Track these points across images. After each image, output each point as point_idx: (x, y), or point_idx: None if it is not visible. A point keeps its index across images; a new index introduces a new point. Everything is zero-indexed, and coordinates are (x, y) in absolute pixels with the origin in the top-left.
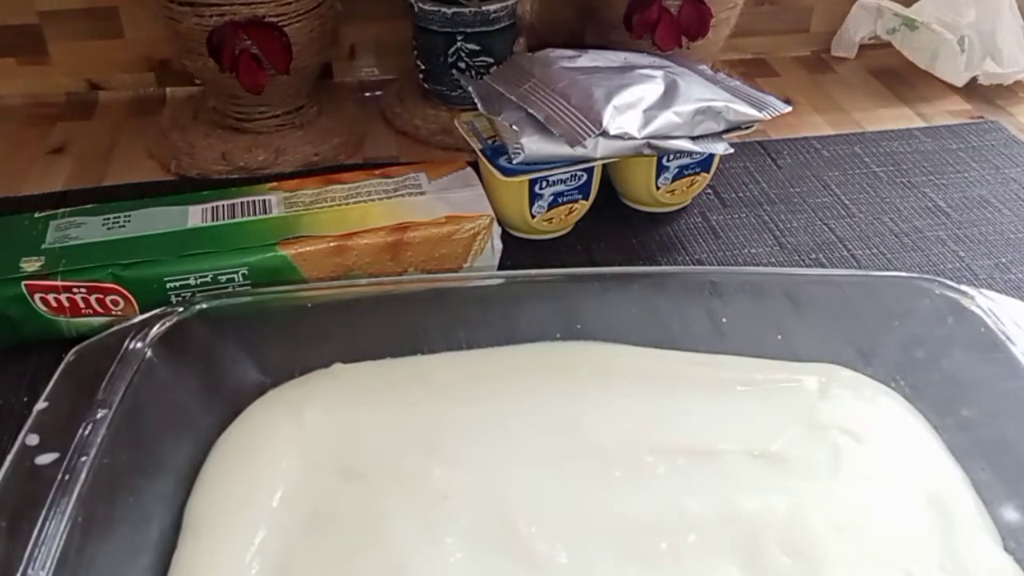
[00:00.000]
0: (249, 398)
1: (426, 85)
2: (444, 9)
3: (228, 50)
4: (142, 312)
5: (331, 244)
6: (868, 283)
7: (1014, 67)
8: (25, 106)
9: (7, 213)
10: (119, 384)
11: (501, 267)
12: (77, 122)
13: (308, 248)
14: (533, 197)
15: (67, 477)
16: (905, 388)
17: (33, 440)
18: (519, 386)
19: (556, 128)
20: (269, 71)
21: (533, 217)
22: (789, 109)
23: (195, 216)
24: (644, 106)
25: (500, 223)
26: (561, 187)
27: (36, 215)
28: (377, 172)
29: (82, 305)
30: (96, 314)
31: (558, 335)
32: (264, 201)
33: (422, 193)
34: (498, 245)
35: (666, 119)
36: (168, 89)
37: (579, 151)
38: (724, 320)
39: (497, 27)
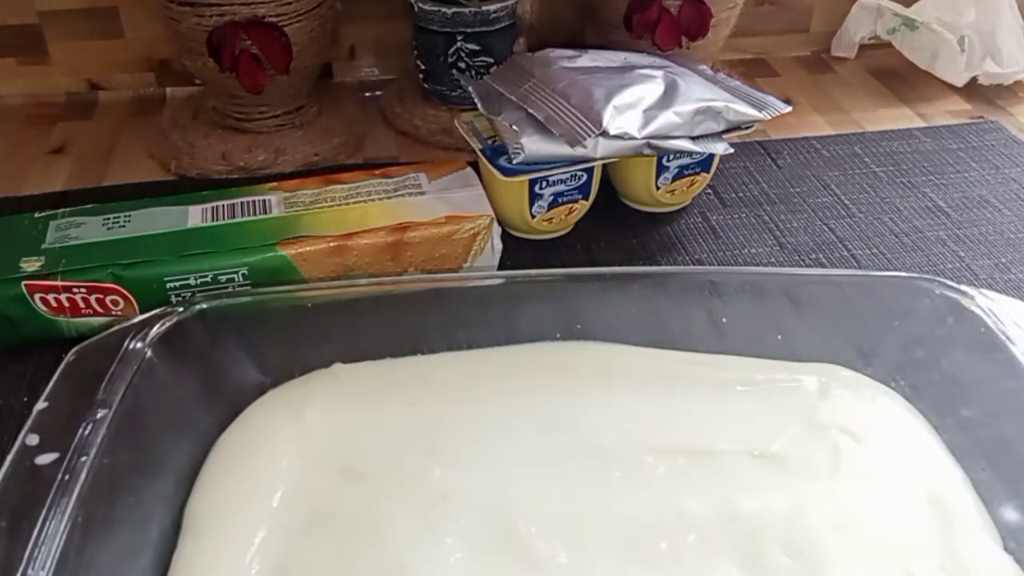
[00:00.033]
0: (249, 398)
1: (426, 85)
2: (444, 9)
3: (228, 50)
4: (142, 312)
5: (331, 244)
6: (868, 283)
7: (1014, 67)
8: (25, 106)
9: (7, 213)
10: (119, 384)
11: (501, 267)
12: (77, 122)
13: (308, 248)
14: (533, 197)
15: (67, 477)
16: (905, 388)
17: (33, 440)
18: (519, 386)
19: (556, 128)
20: (269, 71)
21: (533, 217)
22: (789, 109)
23: (195, 216)
24: (644, 106)
25: (500, 223)
26: (561, 187)
27: (36, 215)
28: (377, 172)
29: (82, 305)
30: (96, 314)
31: (558, 335)
32: (264, 201)
33: (422, 193)
34: (498, 245)
35: (666, 119)
36: (168, 89)
37: (579, 151)
38: (724, 320)
39: (497, 27)
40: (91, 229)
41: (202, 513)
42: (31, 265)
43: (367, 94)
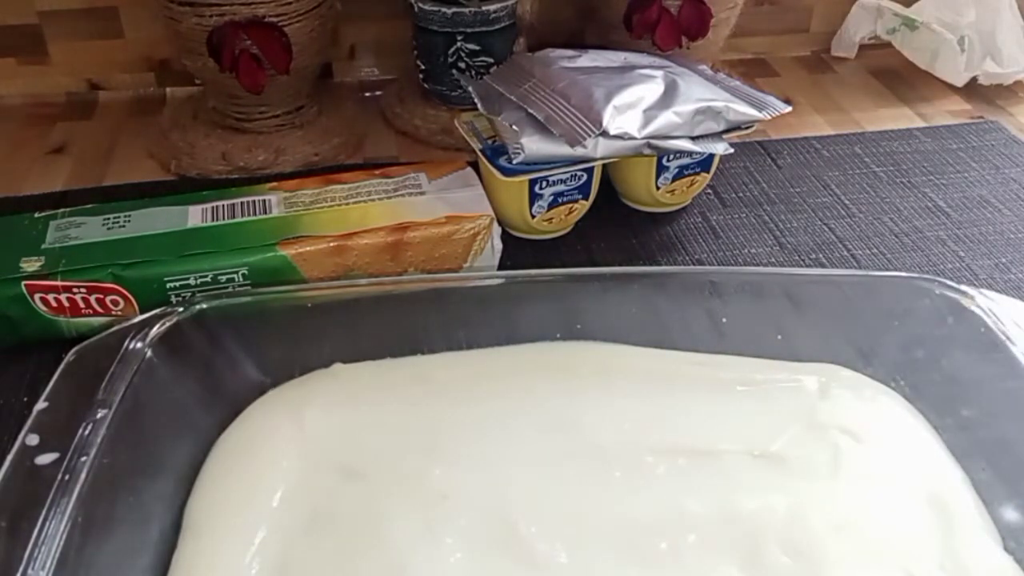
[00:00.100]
0: (249, 398)
1: (426, 85)
2: (444, 9)
3: (228, 50)
4: (142, 312)
5: (331, 244)
6: (868, 283)
7: (1014, 67)
8: (25, 106)
9: (7, 213)
10: (119, 384)
11: (501, 267)
12: (77, 122)
13: (308, 248)
14: (533, 197)
15: (67, 477)
16: (905, 388)
17: (33, 440)
18: (519, 386)
19: (556, 128)
20: (269, 71)
21: (533, 217)
22: (789, 109)
23: (195, 216)
24: (644, 106)
25: (500, 223)
26: (561, 187)
27: (36, 215)
28: (377, 172)
29: (82, 305)
30: (96, 314)
31: (558, 335)
32: (264, 201)
33: (422, 193)
34: (498, 245)
35: (666, 119)
36: (168, 89)
37: (579, 151)
38: (724, 320)
39: (497, 27)
40: (91, 229)
41: (202, 513)
42: (31, 265)
43: (367, 94)
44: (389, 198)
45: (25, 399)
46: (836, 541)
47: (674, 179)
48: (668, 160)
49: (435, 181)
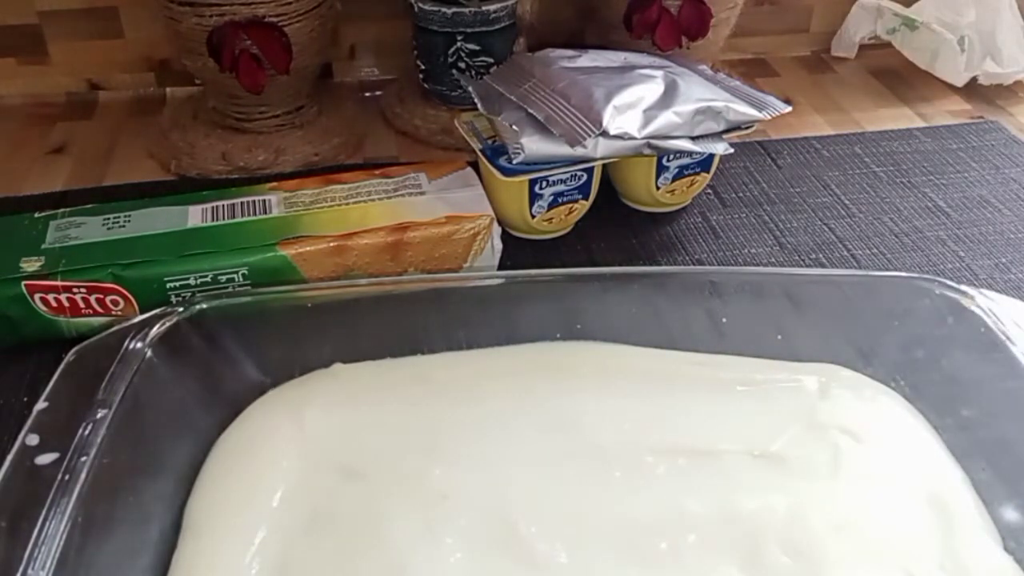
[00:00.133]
0: (249, 398)
1: (426, 85)
2: (444, 9)
3: (228, 50)
4: (142, 312)
5: (331, 244)
6: (868, 283)
7: (1014, 67)
8: (25, 106)
9: (7, 213)
10: (119, 384)
11: (501, 267)
12: (77, 122)
13: (308, 248)
14: (533, 197)
15: (67, 477)
16: (905, 388)
17: (33, 440)
18: (519, 386)
19: (556, 128)
20: (269, 71)
21: (533, 217)
22: (789, 109)
23: (195, 216)
24: (644, 106)
25: (500, 223)
26: (561, 187)
27: (36, 215)
28: (377, 172)
29: (82, 305)
30: (96, 314)
31: (558, 335)
32: (264, 201)
33: (422, 193)
34: (498, 245)
35: (666, 119)
36: (168, 89)
37: (579, 151)
38: (724, 320)
39: (497, 27)
40: (91, 229)
41: (202, 513)
42: (31, 265)
43: (367, 94)
44: (389, 198)
45: (25, 399)
46: (836, 541)
47: (674, 179)
48: (668, 160)
49: (435, 181)
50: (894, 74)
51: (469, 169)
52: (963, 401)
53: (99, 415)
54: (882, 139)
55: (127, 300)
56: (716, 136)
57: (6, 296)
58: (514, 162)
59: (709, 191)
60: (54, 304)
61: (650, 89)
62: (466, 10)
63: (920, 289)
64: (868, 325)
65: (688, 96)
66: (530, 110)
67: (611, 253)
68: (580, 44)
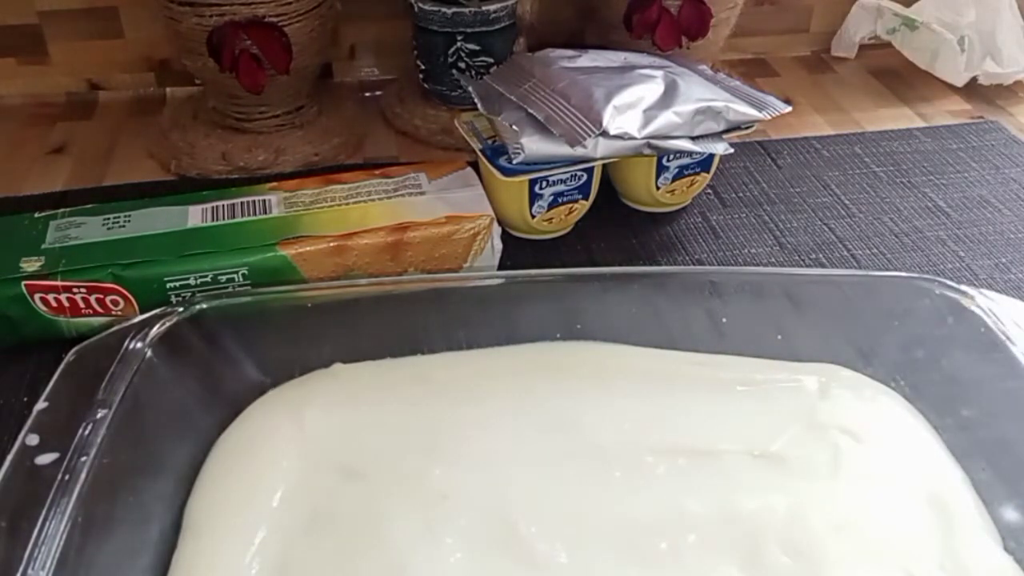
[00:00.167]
0: (249, 398)
1: (426, 85)
2: (444, 9)
3: (228, 50)
4: (142, 312)
5: (331, 244)
6: (868, 283)
7: (1014, 67)
8: (25, 106)
9: (7, 213)
10: (119, 384)
11: (501, 267)
12: (77, 122)
13: (308, 248)
14: (533, 197)
15: (67, 477)
16: (905, 388)
17: (33, 440)
18: (519, 386)
19: (556, 128)
20: (269, 71)
21: (533, 217)
22: (789, 109)
23: (195, 216)
24: (644, 106)
25: (500, 223)
26: (561, 187)
27: (36, 215)
28: (377, 172)
29: (82, 305)
30: (96, 314)
31: (558, 335)
32: (264, 201)
33: (422, 193)
34: (498, 245)
35: (666, 119)
36: (168, 89)
37: (579, 151)
38: (724, 320)
39: (497, 27)
40: (91, 229)
41: (202, 513)
42: (31, 265)
43: (367, 94)
44: (389, 198)
45: (25, 399)
46: (836, 541)
47: (674, 179)
48: (668, 160)
49: (435, 181)
50: (894, 74)
51: (469, 169)
52: (963, 401)
53: (99, 415)
54: (882, 139)
55: (127, 300)
56: (716, 136)
57: (6, 296)
58: (514, 162)
59: (709, 191)
60: (54, 304)
61: (650, 89)
62: (466, 10)
63: (920, 289)
64: (868, 325)
65: (688, 96)
66: (530, 110)
67: (611, 253)
68: (580, 44)
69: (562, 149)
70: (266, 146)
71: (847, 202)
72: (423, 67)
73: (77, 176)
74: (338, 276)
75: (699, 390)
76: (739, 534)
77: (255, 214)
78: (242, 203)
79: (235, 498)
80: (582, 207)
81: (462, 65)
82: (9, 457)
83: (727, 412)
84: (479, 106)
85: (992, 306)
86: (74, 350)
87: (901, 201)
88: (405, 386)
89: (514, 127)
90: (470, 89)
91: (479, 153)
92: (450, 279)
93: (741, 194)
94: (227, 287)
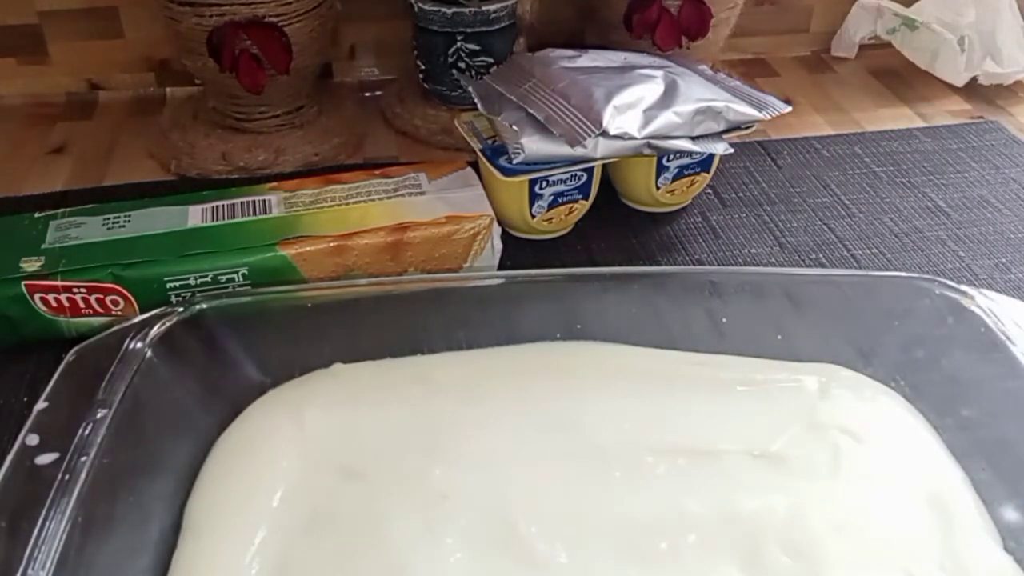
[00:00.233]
0: (249, 398)
1: (426, 85)
2: (444, 9)
3: (228, 50)
4: (142, 312)
5: (331, 244)
6: (868, 283)
7: (1014, 67)
8: (25, 106)
9: (7, 213)
10: (119, 384)
11: (501, 267)
12: (77, 122)
13: (308, 248)
14: (533, 197)
15: (67, 477)
16: (905, 388)
17: (33, 440)
18: (519, 386)
19: (556, 128)
20: (269, 71)
21: (533, 217)
22: (789, 109)
23: (195, 216)
24: (644, 106)
25: (500, 223)
26: (561, 187)
27: (36, 215)
28: (377, 172)
29: (82, 305)
30: (96, 314)
31: (558, 335)
32: (264, 201)
33: (422, 193)
34: (498, 245)
35: (666, 119)
36: (168, 89)
37: (579, 151)
38: (724, 320)
39: (497, 27)
40: (91, 229)
41: (202, 513)
42: (31, 265)
43: (367, 94)
44: (389, 198)
45: (25, 399)
46: (836, 541)
47: (674, 179)
48: (668, 160)
49: (435, 181)
50: (894, 74)
51: (469, 169)
52: (963, 401)
53: (99, 415)
54: (882, 139)
55: (127, 300)
56: (716, 136)
57: (6, 296)
58: (514, 162)
59: (709, 191)
60: (54, 304)
61: (650, 89)
62: (466, 10)
63: (920, 289)
64: (868, 325)
65: (688, 96)
66: (530, 110)
67: (611, 253)
68: (580, 44)
69: (562, 149)
70: (266, 146)
71: (847, 202)
72: (423, 67)
73: (77, 176)
74: (338, 276)
75: (699, 390)
76: (739, 534)
77: (255, 214)
78: (242, 203)
79: (235, 498)
80: (582, 207)
81: (462, 65)
82: (9, 457)
83: (727, 412)
84: (479, 106)
85: (992, 306)
86: (74, 350)
87: (901, 201)
88: (405, 386)
89: (514, 127)
90: (470, 89)
91: (479, 153)
92: (450, 279)
93: (741, 194)
94: (227, 287)
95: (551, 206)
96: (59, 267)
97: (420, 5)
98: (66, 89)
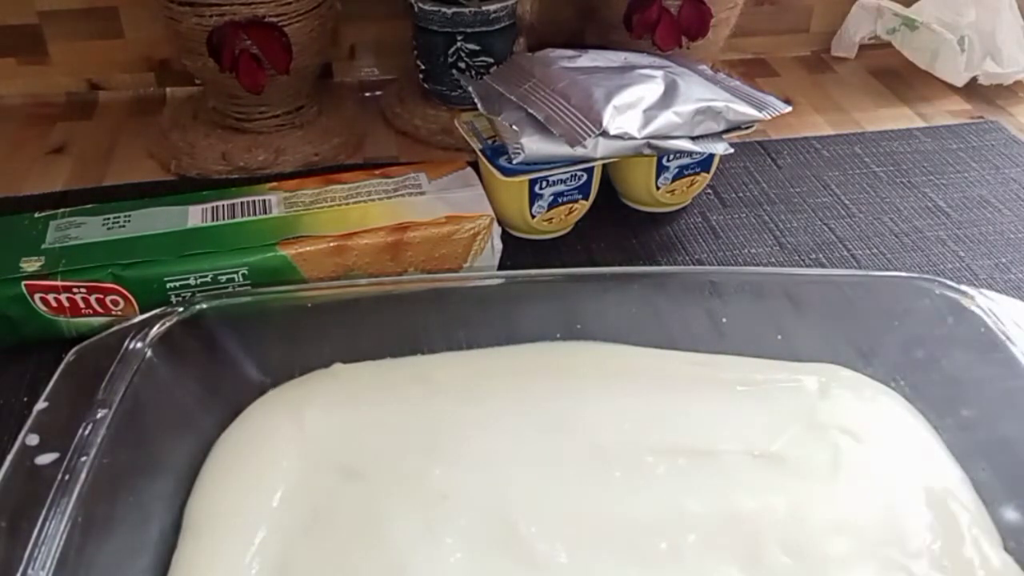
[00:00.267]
0: (249, 398)
1: (426, 85)
2: (444, 9)
3: (228, 50)
4: (142, 312)
5: (331, 244)
6: (868, 283)
7: (1014, 67)
8: (25, 106)
9: (7, 213)
10: (119, 384)
11: (501, 267)
12: (77, 122)
13: (308, 248)
14: (533, 197)
15: (67, 477)
16: (905, 388)
17: (33, 440)
18: (519, 386)
19: (556, 128)
20: (269, 71)
21: (533, 217)
22: (789, 109)
23: (195, 216)
24: (644, 106)
25: (500, 223)
26: (561, 187)
27: (36, 215)
28: (377, 172)
29: (82, 305)
30: (96, 314)
31: (558, 335)
32: (264, 201)
33: (422, 193)
34: (498, 245)
35: (666, 119)
36: (168, 89)
37: (579, 151)
38: (724, 320)
39: (497, 27)
40: (91, 229)
41: (202, 513)
42: (31, 265)
43: (367, 94)
44: (389, 198)
45: (25, 399)
46: (836, 541)
47: (674, 179)
48: (668, 160)
49: (435, 181)
50: (894, 74)
51: (469, 169)
52: (963, 401)
53: (99, 415)
54: (882, 139)
55: (127, 300)
56: (716, 136)
57: (6, 296)
58: (514, 162)
59: (709, 191)
60: (54, 304)
61: (650, 89)
62: (466, 10)
63: (920, 289)
64: (868, 325)
65: (688, 96)
66: (530, 110)
67: (611, 253)
68: (580, 44)
69: (562, 149)
70: (266, 146)
71: (847, 202)
72: (423, 67)
73: (77, 176)
74: (338, 276)
75: (699, 390)
76: (739, 534)
77: (255, 214)
78: (242, 203)
79: (235, 498)
80: (582, 207)
81: (462, 65)
82: (9, 457)
83: (727, 412)
84: (479, 106)
85: (992, 306)
86: (74, 350)
87: (901, 201)
88: (405, 386)
89: (514, 127)
90: (470, 89)
91: (479, 153)
92: (450, 279)
93: (741, 194)
94: (227, 287)
95: (551, 206)
96: (59, 267)
97: (420, 5)
98: (66, 89)
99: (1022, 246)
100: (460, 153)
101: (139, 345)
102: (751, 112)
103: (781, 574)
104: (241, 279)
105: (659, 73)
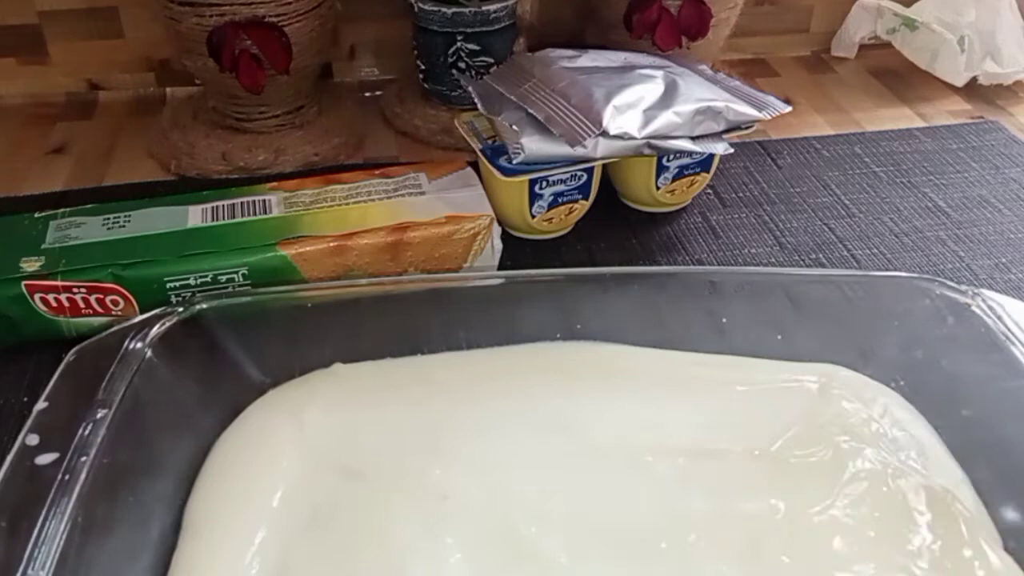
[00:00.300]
0: (249, 398)
1: (426, 85)
2: (444, 9)
3: (228, 50)
4: (142, 312)
5: (331, 244)
6: (868, 283)
7: (1014, 67)
8: (25, 106)
9: (7, 213)
10: (119, 384)
11: (501, 267)
12: (77, 122)
13: (308, 248)
14: (533, 197)
15: (67, 477)
16: (905, 388)
17: (33, 440)
18: (519, 386)
19: (556, 128)
20: (269, 71)
21: (533, 217)
22: (789, 109)
23: (195, 216)
24: (644, 106)
25: (500, 223)
26: (561, 187)
27: (36, 215)
28: (377, 172)
29: (82, 305)
30: (96, 314)
31: (558, 335)
32: (264, 201)
33: (422, 193)
34: (498, 245)
35: (666, 119)
36: (168, 89)
37: (579, 151)
38: (724, 320)
39: (497, 27)
40: (91, 229)
41: (202, 513)
42: (31, 265)
43: (367, 94)
44: (389, 198)
45: (25, 399)
46: (836, 541)
47: (674, 179)
48: (668, 160)
49: (435, 181)
50: (894, 74)
51: (469, 169)
52: (963, 401)
53: (99, 415)
54: (882, 139)
55: (127, 300)
56: (716, 136)
57: (6, 296)
58: (514, 162)
59: (709, 191)
60: (54, 304)
61: (650, 89)
62: (466, 10)
63: (920, 289)
64: (868, 325)
65: (688, 96)
66: (530, 110)
67: (611, 253)
68: (580, 44)
69: (562, 149)
70: (266, 146)
71: (847, 202)
72: (423, 67)
73: (77, 176)
74: (338, 276)
75: (699, 390)
76: (739, 534)
77: (255, 214)
78: (242, 203)
79: (235, 498)
80: (582, 207)
81: (462, 65)
82: (9, 457)
83: (727, 412)
84: (479, 106)
85: (992, 306)
86: (74, 350)
87: (901, 201)
88: (405, 386)
89: (514, 127)
90: (470, 89)
91: (479, 153)
92: (450, 279)
93: (741, 194)
94: (227, 287)
95: (551, 206)
96: (59, 267)
97: (420, 5)
98: (66, 89)
99: (1022, 246)
100: (460, 153)
101: (139, 345)
102: (751, 112)
103: (781, 574)
104: (241, 279)
105: (659, 73)
